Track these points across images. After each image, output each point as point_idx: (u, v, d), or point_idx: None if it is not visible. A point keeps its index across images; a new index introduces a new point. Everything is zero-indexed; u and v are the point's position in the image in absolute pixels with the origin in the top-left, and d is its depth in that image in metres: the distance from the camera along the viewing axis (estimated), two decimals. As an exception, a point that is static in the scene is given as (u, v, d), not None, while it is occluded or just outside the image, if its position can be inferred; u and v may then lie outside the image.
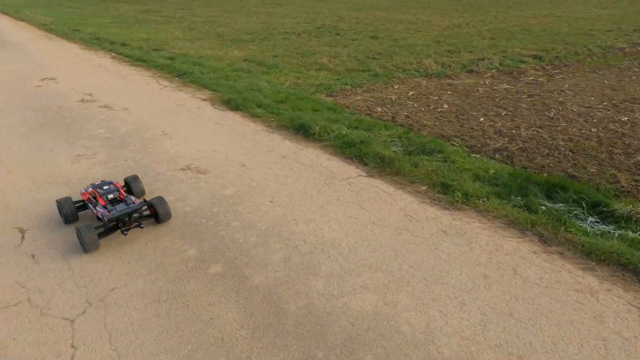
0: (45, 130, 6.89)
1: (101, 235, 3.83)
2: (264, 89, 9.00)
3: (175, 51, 13.03)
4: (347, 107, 8.20)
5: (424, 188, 4.74)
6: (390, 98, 8.69)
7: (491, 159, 5.69)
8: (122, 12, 25.08)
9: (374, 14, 22.16)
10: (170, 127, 6.87)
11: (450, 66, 11.03)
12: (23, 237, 3.95)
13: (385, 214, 4.27)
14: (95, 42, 14.84)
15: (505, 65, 11.04)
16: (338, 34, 16.71)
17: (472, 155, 5.74)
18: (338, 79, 10.23)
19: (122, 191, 4.20)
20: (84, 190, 4.42)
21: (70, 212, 4.21)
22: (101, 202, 4.09)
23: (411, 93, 9.02)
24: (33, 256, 3.74)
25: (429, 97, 8.69)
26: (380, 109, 8.10)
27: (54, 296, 3.29)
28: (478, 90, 9.12)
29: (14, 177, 5.27)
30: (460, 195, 4.45)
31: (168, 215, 4.18)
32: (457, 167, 5.06)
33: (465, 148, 6.05)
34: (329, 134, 6.23)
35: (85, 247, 3.67)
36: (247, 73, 10.55)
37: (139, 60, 11.67)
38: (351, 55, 12.61)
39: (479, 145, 6.18)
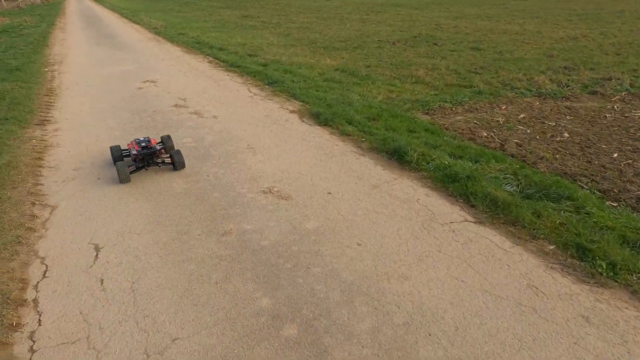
0: (139, 133, 6.81)
1: (133, 171, 5.24)
2: (354, 102, 8.31)
3: (269, 57, 12.83)
4: (447, 129, 7.24)
5: (551, 248, 3.71)
6: (497, 120, 7.55)
7: (634, 210, 4.45)
8: (224, 17, 25.94)
9: (474, 23, 20.56)
10: (255, 140, 6.43)
11: (568, 85, 9.52)
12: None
13: (502, 279, 3.34)
14: (196, 45, 15.20)
15: (637, 87, 9.28)
16: (436, 44, 15.57)
17: (608, 203, 4.54)
18: (436, 95, 9.24)
19: (152, 142, 5.41)
20: (129, 142, 5.65)
21: (118, 155, 5.50)
22: (135, 147, 5.30)
23: (522, 116, 7.80)
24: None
25: (544, 122, 7.42)
26: (485, 134, 7.03)
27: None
28: (606, 116, 7.64)
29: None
30: (604, 266, 3.38)
31: (182, 165, 5.40)
32: (594, 221, 3.94)
33: (597, 192, 4.85)
34: (427, 163, 5.35)
35: (120, 177, 5.11)
36: (338, 84, 9.94)
37: (234, 65, 11.58)
38: (450, 68, 11.50)
39: (615, 191, 4.93)
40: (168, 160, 5.39)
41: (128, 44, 16.54)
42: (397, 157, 5.67)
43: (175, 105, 8.25)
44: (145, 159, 5.28)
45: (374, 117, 7.45)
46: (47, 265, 3.79)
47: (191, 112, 7.83)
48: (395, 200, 4.64)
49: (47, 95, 9.29)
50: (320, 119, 7.23)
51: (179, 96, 8.87)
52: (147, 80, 10.26)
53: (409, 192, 4.83)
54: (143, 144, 5.45)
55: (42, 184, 5.31)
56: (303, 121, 7.34)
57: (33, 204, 4.84)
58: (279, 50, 14.31)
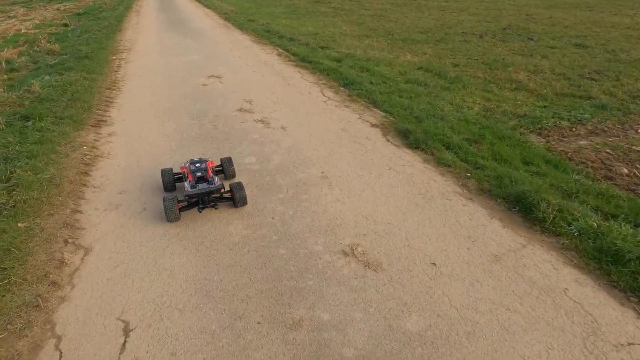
0: (197, 145, 5.78)
1: (183, 208, 4.11)
2: (447, 115, 6.76)
3: (342, 50, 11.39)
4: (571, 159, 5.54)
5: None
6: (639, 150, 5.71)
7: None
8: (294, 1, 24.65)
9: (573, 14, 17.74)
10: (331, 166, 5.14)
11: None
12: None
13: None
14: (265, 34, 14.08)
15: None
16: (531, 39, 13.31)
17: None
18: (545, 107, 7.44)
19: (210, 171, 4.29)
20: (182, 164, 4.57)
21: (169, 181, 4.57)
22: (189, 178, 4.20)
23: (674, 146, 5.87)
24: None
25: None
26: (626, 170, 5.29)
27: None
28: None
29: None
30: None
31: (243, 201, 4.22)
32: None
33: None
34: (568, 225, 3.79)
35: (167, 216, 3.98)
36: (423, 87, 8.37)
37: (305, 60, 10.30)
38: (556, 71, 9.48)
39: None
40: (227, 194, 4.35)
41: (198, 30, 15.77)
42: (520, 208, 4.14)
43: (240, 110, 7.13)
44: (200, 197, 4.23)
45: (476, 138, 5.89)
46: (61, 353, 2.77)
47: (257, 120, 6.66)
48: (531, 288, 3.18)
49: (109, 88, 8.54)
50: (410, 140, 5.79)
51: (245, 97, 7.75)
52: (213, 75, 9.25)
53: (548, 273, 3.34)
54: (199, 174, 4.35)
55: (81, 211, 4.38)
56: (388, 140, 5.94)
57: (66, 242, 3.90)
58: (352, 41, 12.82)
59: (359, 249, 3.70)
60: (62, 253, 3.77)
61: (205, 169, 4.41)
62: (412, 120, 6.53)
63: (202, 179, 4.32)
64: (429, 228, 3.97)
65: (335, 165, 5.22)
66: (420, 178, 4.89)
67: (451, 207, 4.31)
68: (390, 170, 5.08)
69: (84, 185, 4.92)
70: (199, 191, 4.11)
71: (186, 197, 4.13)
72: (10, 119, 6.71)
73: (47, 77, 8.93)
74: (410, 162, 5.28)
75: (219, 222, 4.13)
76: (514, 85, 8.73)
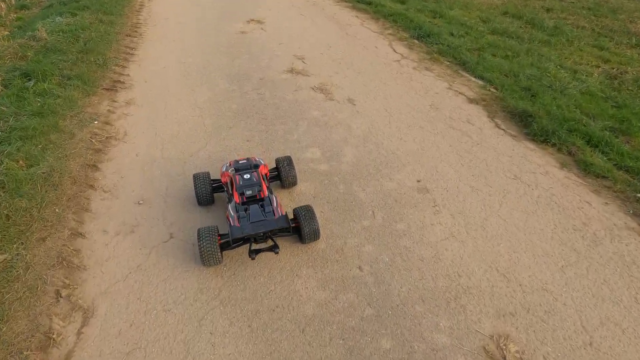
0: (239, 126, 4.30)
1: (225, 245, 2.71)
2: (566, 85, 4.93)
3: (405, -14, 9.16)
4: None
5: None
6: None
7: None
8: None
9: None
10: (429, 170, 3.62)
11: None
12: None
13: None
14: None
15: None
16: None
17: None
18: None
19: (265, 187, 2.94)
20: (224, 169, 3.21)
21: (204, 193, 3.16)
22: (235, 197, 2.86)
23: None
24: None
25: None
26: None
27: None
28: None
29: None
30: None
31: (315, 235, 2.78)
32: None
33: None
34: None
35: (204, 260, 2.62)
36: (517, 41, 6.41)
37: (362, 1, 8.25)
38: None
39: None
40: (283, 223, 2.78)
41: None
42: None
43: (291, 71, 5.44)
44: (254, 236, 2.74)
45: (620, 126, 4.12)
46: None
47: (314, 88, 5.00)
48: None
49: (129, 35, 6.91)
50: (532, 128, 4.07)
51: (295, 52, 6.01)
52: (253, 20, 7.43)
53: None
54: (249, 192, 2.91)
55: (83, 235, 3.04)
56: (498, 126, 4.24)
57: (58, 295, 2.61)
58: (416, -24, 10.44)
59: (511, 347, 2.22)
60: (51, 319, 2.47)
61: (259, 184, 2.95)
62: (523, 94, 4.75)
63: (253, 199, 2.88)
64: (612, 304, 2.43)
65: (434, 167, 3.62)
66: (566, 198, 3.27)
67: (629, 254, 2.72)
68: (517, 181, 3.46)
69: (91, 186, 3.53)
70: (252, 233, 2.66)
71: (232, 234, 2.68)
72: (9, 76, 5.27)
73: (58, 19, 7.33)
74: (542, 168, 3.62)
75: (280, 271, 2.71)
76: (633, 39, 6.64)
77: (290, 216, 2.89)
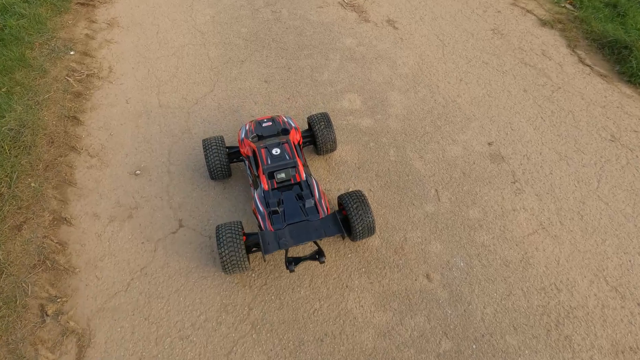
0: (253, 58, 3.40)
1: (252, 246, 2.05)
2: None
3: None
4: None
5: None
6: None
7: None
8: None
9: None
10: (501, 127, 2.91)
11: None
12: None
13: None
14: None
15: None
16: None
17: None
18: None
19: (301, 166, 2.19)
20: (244, 134, 2.43)
21: (219, 166, 2.40)
22: (263, 181, 2.13)
23: None
24: None
25: None
26: None
27: None
28: None
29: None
30: None
31: (369, 231, 2.07)
32: None
33: None
34: None
35: (225, 267, 1.94)
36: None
37: None
38: None
39: None
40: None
41: None
42: None
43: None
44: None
45: None
46: None
47: (344, 3, 3.93)
48: None
49: None
50: (632, 65, 3.15)
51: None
52: None
53: None
54: (281, 175, 2.14)
55: (69, 222, 2.39)
56: (583, 62, 3.34)
57: (43, 312, 2.09)
58: None
59: (638, 403, 1.69)
60: (37, 349, 1.92)
61: (293, 163, 2.18)
62: (608, 13, 3.70)
63: (285, 184, 2.15)
64: None
65: (507, 123, 2.82)
66: (684, 173, 2.52)
67: None
68: (616, 144, 2.69)
69: (73, 148, 2.77)
70: (293, 244, 1.94)
71: (264, 249, 1.95)
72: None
73: None
74: (652, 129, 2.80)
75: (325, 280, 2.10)
76: None
77: (331, 204, 2.18)
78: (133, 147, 2.78)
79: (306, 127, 2.65)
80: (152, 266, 2.20)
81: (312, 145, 2.64)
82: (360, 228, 2.05)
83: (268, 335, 1.94)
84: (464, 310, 1.99)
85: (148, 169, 2.66)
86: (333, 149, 2.59)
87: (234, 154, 2.49)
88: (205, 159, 2.40)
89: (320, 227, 1.95)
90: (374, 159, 2.66)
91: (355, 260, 2.18)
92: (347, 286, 2.09)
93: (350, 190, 2.37)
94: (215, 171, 2.42)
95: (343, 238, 1.97)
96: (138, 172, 2.64)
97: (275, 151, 2.21)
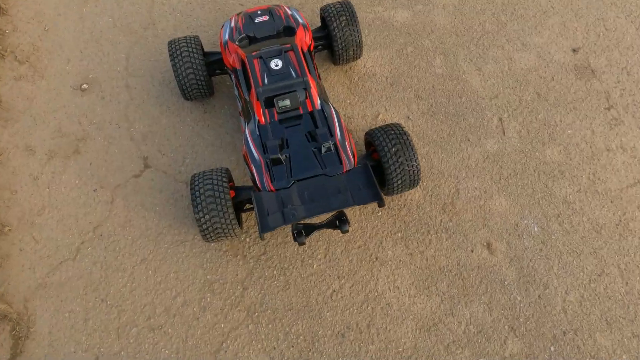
0: None
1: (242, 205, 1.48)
2: None
3: None
4: None
5: None
6: None
7: None
8: None
9: None
10: (588, 19, 2.08)
11: None
12: None
13: None
14: None
15: None
16: None
17: None
18: None
19: (314, 88, 1.46)
20: (228, 34, 1.64)
21: (194, 82, 1.66)
22: (257, 111, 1.43)
23: None
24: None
25: None
26: None
27: None
28: None
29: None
30: None
31: (412, 182, 1.45)
32: None
33: None
34: None
35: (206, 235, 1.38)
36: None
37: None
38: None
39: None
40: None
41: None
42: None
43: None
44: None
45: None
46: None
47: None
48: None
49: None
50: None
51: None
52: None
53: None
54: (285, 102, 1.40)
55: (-5, 155, 1.73)
56: None
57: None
58: None
59: None
60: (-43, 341, 1.41)
61: (303, 83, 1.45)
62: None
63: (290, 116, 1.44)
64: None
65: (600, 20, 2.03)
66: None
67: None
68: None
69: (-6, 49, 1.99)
70: (306, 215, 1.28)
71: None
72: None
73: None
74: None
75: (347, 249, 1.52)
76: None
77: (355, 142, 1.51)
78: (77, 48, 2.00)
79: (319, 23, 1.84)
80: (109, 225, 1.60)
81: (326, 51, 1.86)
82: (399, 181, 1.41)
83: (270, 326, 1.42)
84: (539, 297, 1.45)
85: (99, 81, 1.91)
86: (357, 56, 1.82)
87: (215, 63, 1.74)
88: (174, 70, 1.66)
89: (346, 188, 1.30)
90: (412, 71, 1.90)
91: (389, 220, 1.58)
92: (377, 258, 1.52)
93: (382, 121, 1.67)
94: (189, 89, 1.69)
95: (383, 206, 1.32)
96: (85, 86, 1.91)
97: (275, 64, 1.46)
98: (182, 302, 1.47)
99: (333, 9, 1.71)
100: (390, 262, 1.51)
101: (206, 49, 1.84)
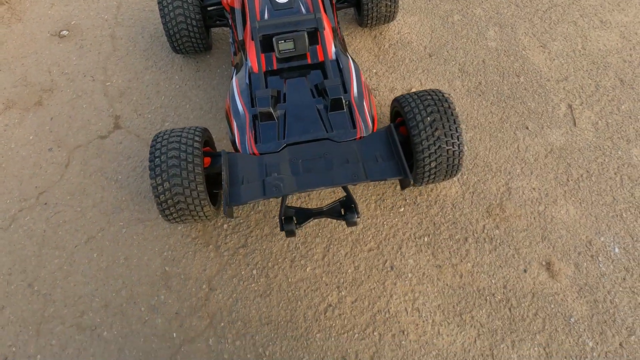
0: None
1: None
2: None
3: None
4: None
5: None
6: None
7: None
8: None
9: None
10: None
11: None
12: None
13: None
14: None
15: None
16: None
17: None
18: None
19: (329, 36, 1.11)
20: None
21: (184, 26, 1.36)
22: (250, 53, 1.08)
23: None
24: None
25: None
26: None
27: None
28: None
29: None
30: None
31: (453, 170, 1.06)
32: None
33: None
34: None
35: (167, 213, 1.03)
36: None
37: None
38: None
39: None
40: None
41: None
42: None
43: None
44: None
45: None
46: None
47: None
48: None
49: None
50: None
51: None
52: None
53: None
54: (286, 42, 1.05)
55: (-52, 101, 1.44)
56: None
57: None
58: None
59: None
60: None
61: (313, 21, 1.09)
62: None
63: (295, 62, 1.10)
64: None
65: None
66: None
67: None
68: None
69: (-26, -12, 1.76)
70: (297, 186, 0.92)
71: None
72: None
73: None
74: None
75: (355, 261, 1.13)
76: None
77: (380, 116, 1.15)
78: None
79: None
80: (57, 191, 1.29)
81: (350, 9, 1.53)
82: (433, 164, 1.03)
83: (237, 344, 1.05)
84: (620, 345, 1.02)
85: (81, 28, 1.64)
86: (390, 16, 1.48)
87: (216, 8, 1.43)
88: (160, 11, 1.36)
89: (357, 159, 0.94)
90: (458, 42, 1.54)
91: (413, 219, 1.20)
92: (392, 267, 1.13)
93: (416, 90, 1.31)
94: (177, 36, 1.39)
95: (408, 185, 0.93)
96: (65, 32, 1.63)
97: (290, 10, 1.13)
98: (127, 297, 1.12)
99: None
100: (410, 275, 1.12)
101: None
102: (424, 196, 1.24)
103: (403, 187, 0.94)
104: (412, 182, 0.94)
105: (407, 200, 1.23)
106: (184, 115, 1.42)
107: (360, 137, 0.98)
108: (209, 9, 1.43)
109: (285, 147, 0.98)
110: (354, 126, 0.99)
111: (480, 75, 1.47)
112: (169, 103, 1.45)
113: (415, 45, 1.54)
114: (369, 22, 1.49)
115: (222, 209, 1.09)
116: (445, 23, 1.60)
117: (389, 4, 1.42)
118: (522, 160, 1.29)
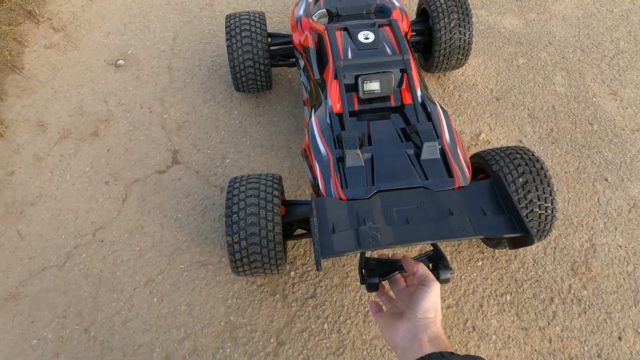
0: None
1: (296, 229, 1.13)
2: None
3: None
4: None
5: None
6: None
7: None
8: None
9: None
10: None
11: None
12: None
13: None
14: None
15: None
16: None
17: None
18: None
19: (416, 78, 1.06)
20: (302, 10, 1.32)
21: (251, 65, 1.32)
22: (331, 93, 1.05)
23: None
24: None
25: None
26: None
27: None
28: None
29: None
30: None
31: (542, 233, 1.00)
32: None
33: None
34: None
35: (239, 267, 0.99)
36: None
37: None
38: None
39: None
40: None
41: None
42: None
43: None
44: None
45: None
46: None
47: None
48: None
49: None
50: None
51: None
52: None
53: None
54: (372, 82, 1.02)
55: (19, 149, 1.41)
56: None
57: None
58: None
59: None
60: None
61: (401, 62, 1.05)
62: None
63: (379, 104, 1.05)
64: None
65: None
66: None
67: None
68: None
69: (30, 14, 1.78)
70: (394, 239, 0.82)
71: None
72: None
73: None
74: None
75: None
76: None
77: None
78: (121, 22, 1.75)
79: (413, 16, 1.51)
80: (115, 228, 1.24)
81: (418, 53, 1.51)
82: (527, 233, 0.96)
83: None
84: None
85: (137, 58, 1.63)
86: (459, 65, 1.45)
87: (280, 48, 1.41)
88: (229, 52, 1.33)
89: (461, 211, 0.88)
90: (525, 86, 1.51)
91: (492, 275, 1.13)
92: (474, 328, 1.06)
93: (485, 142, 1.26)
94: (244, 77, 1.36)
95: (527, 244, 0.85)
96: (121, 62, 1.62)
97: (365, 36, 1.10)
98: (190, 349, 1.05)
99: (443, 2, 1.36)
100: (494, 337, 1.05)
101: (270, 31, 1.54)
102: (502, 250, 1.17)
103: (515, 247, 0.88)
104: (534, 240, 0.88)
105: (485, 254, 1.17)
106: (244, 152, 1.38)
107: (459, 187, 0.93)
108: (271, 48, 1.41)
109: (375, 193, 0.92)
110: (451, 175, 0.94)
111: (552, 121, 1.43)
112: (228, 139, 1.42)
113: (480, 88, 1.51)
114: (436, 70, 1.46)
115: (313, 262, 1.03)
116: (510, 66, 1.57)
117: (460, 57, 1.39)
118: (605, 214, 1.23)
